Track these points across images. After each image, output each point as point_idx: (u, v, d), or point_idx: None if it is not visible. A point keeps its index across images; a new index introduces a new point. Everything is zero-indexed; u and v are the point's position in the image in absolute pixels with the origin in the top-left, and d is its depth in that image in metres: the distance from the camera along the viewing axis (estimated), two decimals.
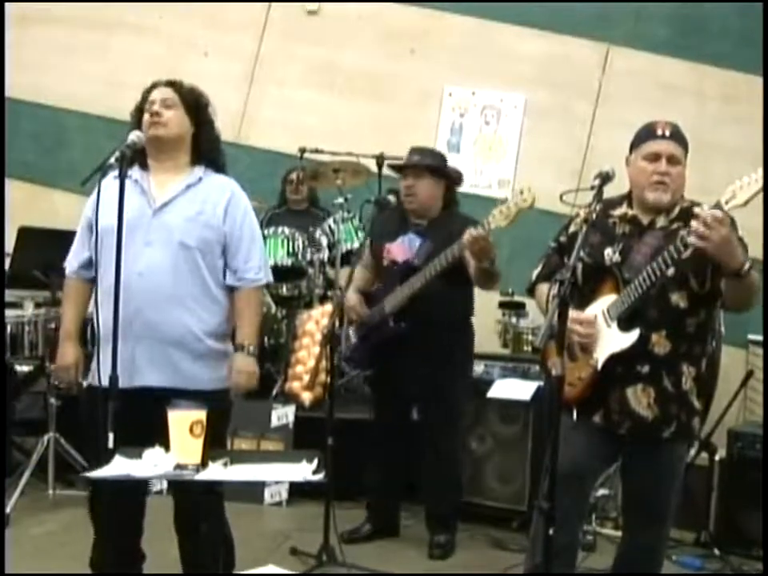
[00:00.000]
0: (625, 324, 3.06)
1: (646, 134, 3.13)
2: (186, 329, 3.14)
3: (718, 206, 2.83)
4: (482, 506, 4.70)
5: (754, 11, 5.78)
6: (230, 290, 3.24)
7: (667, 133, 3.09)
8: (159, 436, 2.61)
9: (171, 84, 3.24)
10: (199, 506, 3.11)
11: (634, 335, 3.04)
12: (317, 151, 5.78)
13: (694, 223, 2.81)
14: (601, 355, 3.10)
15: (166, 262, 3.11)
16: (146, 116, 3.17)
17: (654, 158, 3.08)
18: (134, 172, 3.16)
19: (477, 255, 3.93)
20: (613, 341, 3.08)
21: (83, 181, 3.07)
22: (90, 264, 3.19)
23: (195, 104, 3.24)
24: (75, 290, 3.27)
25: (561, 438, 2.81)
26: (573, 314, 2.86)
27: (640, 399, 3.11)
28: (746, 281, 2.91)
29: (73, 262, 3.29)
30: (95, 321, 2.92)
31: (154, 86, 3.25)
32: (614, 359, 3.08)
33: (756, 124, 5.69)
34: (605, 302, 3.12)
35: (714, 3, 6.00)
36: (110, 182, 3.00)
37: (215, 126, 3.31)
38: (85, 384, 3.23)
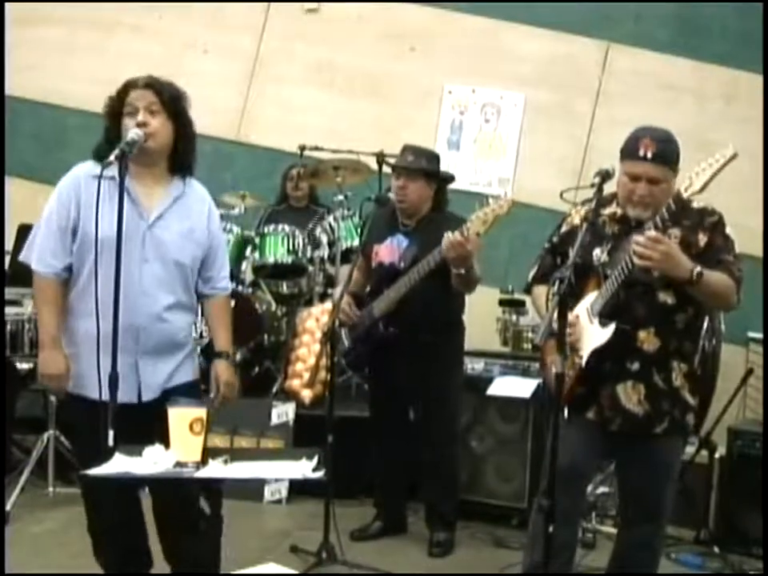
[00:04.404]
0: (607, 320, 3.08)
1: (630, 150, 3.07)
2: (181, 335, 3.22)
3: (677, 194, 2.90)
4: (482, 504, 4.70)
5: (754, 11, 5.79)
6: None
7: (649, 155, 3.02)
8: (160, 438, 2.62)
9: (150, 86, 3.08)
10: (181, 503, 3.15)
11: (610, 329, 3.06)
12: (317, 149, 5.77)
13: (632, 245, 2.91)
14: (585, 352, 3.12)
15: (164, 279, 3.12)
16: (129, 122, 3.03)
17: (635, 178, 3.07)
18: (117, 173, 2.91)
19: (453, 261, 3.93)
20: (594, 337, 3.10)
21: None
22: (71, 267, 3.10)
23: (176, 109, 3.11)
24: (55, 293, 3.10)
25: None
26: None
27: (630, 396, 3.12)
28: (701, 286, 2.95)
29: (53, 262, 3.09)
30: (96, 333, 2.85)
31: (131, 86, 3.08)
32: (600, 356, 3.09)
33: (756, 123, 5.70)
34: (589, 299, 3.15)
35: (714, 3, 6.00)
36: (90, 181, 3.00)
37: (192, 125, 3.19)
38: (71, 390, 3.11)
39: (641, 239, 2.90)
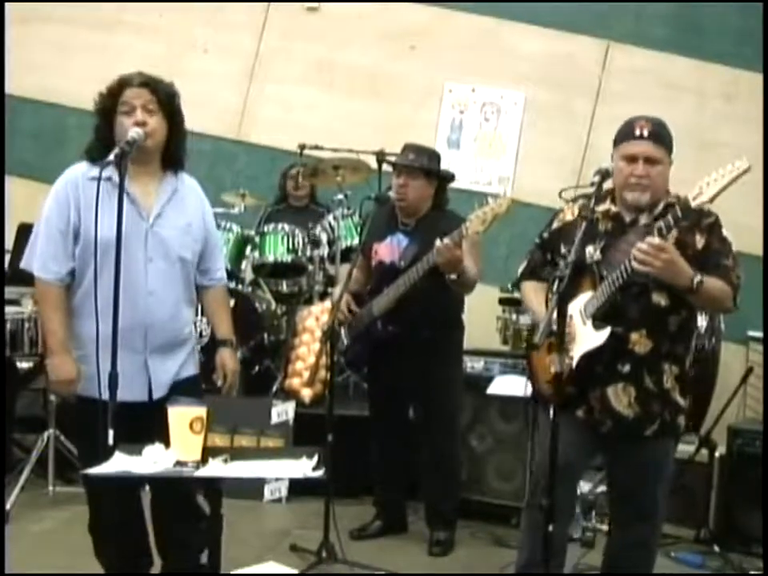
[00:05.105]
0: (600, 322, 3.06)
1: (625, 133, 3.08)
2: (186, 330, 3.26)
3: (685, 202, 2.86)
4: (482, 503, 4.70)
5: (754, 10, 5.79)
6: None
7: (645, 133, 3.02)
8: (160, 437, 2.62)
9: (146, 84, 3.05)
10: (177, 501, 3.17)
11: (605, 333, 3.03)
12: (317, 148, 5.77)
13: (634, 252, 2.88)
14: (576, 353, 3.09)
15: (169, 277, 3.14)
16: (126, 121, 3.01)
17: (632, 159, 3.04)
18: (113, 174, 2.92)
19: (443, 267, 3.92)
20: (587, 339, 3.07)
21: None
22: (74, 272, 3.09)
23: (172, 108, 3.11)
24: (60, 298, 3.09)
25: (544, 434, 2.82)
26: None
27: (621, 398, 3.10)
28: (700, 294, 2.93)
29: (55, 268, 3.07)
30: (96, 333, 2.86)
31: (126, 84, 3.05)
32: (591, 357, 3.07)
33: (756, 122, 5.70)
34: (582, 299, 3.11)
35: (714, 2, 6.00)
36: (87, 183, 3.00)
37: (184, 121, 3.18)
38: (80, 393, 3.11)
39: (643, 246, 2.86)
